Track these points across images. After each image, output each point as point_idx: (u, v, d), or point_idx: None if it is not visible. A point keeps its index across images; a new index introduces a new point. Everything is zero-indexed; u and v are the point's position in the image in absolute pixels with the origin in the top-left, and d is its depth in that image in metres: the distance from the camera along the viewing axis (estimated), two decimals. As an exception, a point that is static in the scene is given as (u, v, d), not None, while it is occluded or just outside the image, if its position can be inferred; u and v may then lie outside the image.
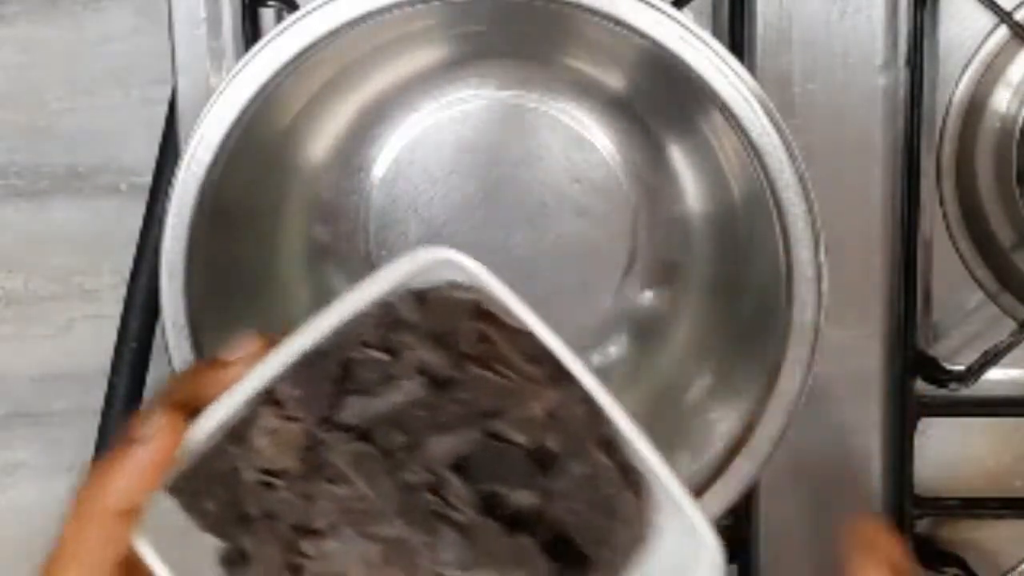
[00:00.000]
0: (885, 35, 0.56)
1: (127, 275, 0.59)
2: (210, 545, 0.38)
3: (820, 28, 0.56)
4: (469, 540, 0.35)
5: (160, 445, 0.38)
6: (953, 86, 0.60)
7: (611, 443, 0.37)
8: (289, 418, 0.37)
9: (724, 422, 0.51)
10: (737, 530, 0.60)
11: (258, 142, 0.49)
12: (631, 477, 0.37)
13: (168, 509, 0.38)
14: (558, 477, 0.36)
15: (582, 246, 0.58)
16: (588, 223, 0.58)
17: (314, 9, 0.46)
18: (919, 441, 0.61)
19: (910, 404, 0.60)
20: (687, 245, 0.58)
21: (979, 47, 0.60)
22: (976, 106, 0.60)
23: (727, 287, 0.56)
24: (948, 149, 0.61)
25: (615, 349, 0.59)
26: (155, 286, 0.48)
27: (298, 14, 0.46)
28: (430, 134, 0.57)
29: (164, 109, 0.59)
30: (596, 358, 0.59)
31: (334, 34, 0.47)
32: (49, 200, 0.65)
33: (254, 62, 0.46)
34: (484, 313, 0.37)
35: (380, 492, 0.36)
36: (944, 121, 0.60)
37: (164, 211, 0.47)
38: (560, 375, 0.36)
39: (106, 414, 0.59)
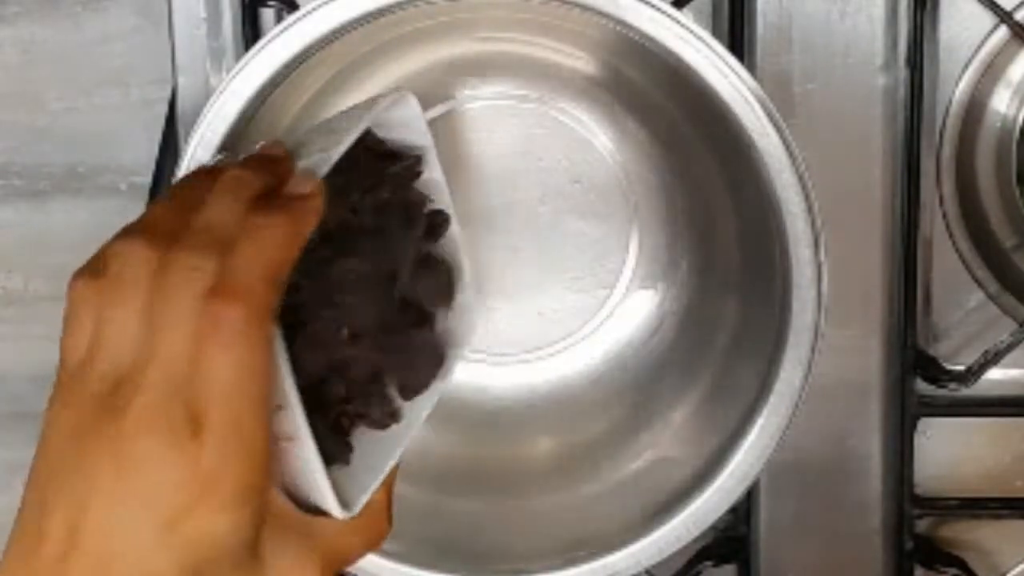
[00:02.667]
0: (885, 35, 0.56)
1: (127, 275, 0.59)
2: None
3: (820, 28, 0.56)
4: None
5: (316, 207, 0.39)
6: (953, 86, 0.60)
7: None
8: None
9: (724, 422, 0.51)
10: (737, 530, 0.60)
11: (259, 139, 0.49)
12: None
13: None
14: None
15: (582, 246, 0.58)
16: (588, 223, 0.58)
17: (314, 9, 0.46)
18: (919, 441, 0.61)
19: (910, 404, 0.60)
20: (687, 245, 0.58)
21: (979, 47, 0.60)
22: (976, 106, 0.60)
23: (727, 287, 0.56)
24: (948, 149, 0.61)
25: (615, 348, 0.59)
26: (155, 286, 0.48)
27: (298, 14, 0.46)
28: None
29: (164, 109, 0.59)
30: (596, 356, 0.59)
31: (334, 34, 0.47)
32: (49, 200, 0.65)
33: (254, 62, 0.46)
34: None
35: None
36: (944, 121, 0.60)
37: (164, 211, 0.47)
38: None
39: (106, 414, 0.59)
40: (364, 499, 0.41)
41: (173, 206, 0.40)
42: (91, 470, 0.36)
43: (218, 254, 0.37)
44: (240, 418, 0.36)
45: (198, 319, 0.36)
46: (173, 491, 0.36)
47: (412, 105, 0.45)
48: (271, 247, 0.38)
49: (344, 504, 0.40)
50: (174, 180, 0.42)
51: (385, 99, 0.43)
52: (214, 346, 0.36)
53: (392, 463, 0.43)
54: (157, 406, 0.36)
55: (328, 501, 0.39)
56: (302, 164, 0.40)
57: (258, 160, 0.41)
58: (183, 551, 0.36)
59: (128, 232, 0.39)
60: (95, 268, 0.38)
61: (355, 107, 0.44)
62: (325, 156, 0.40)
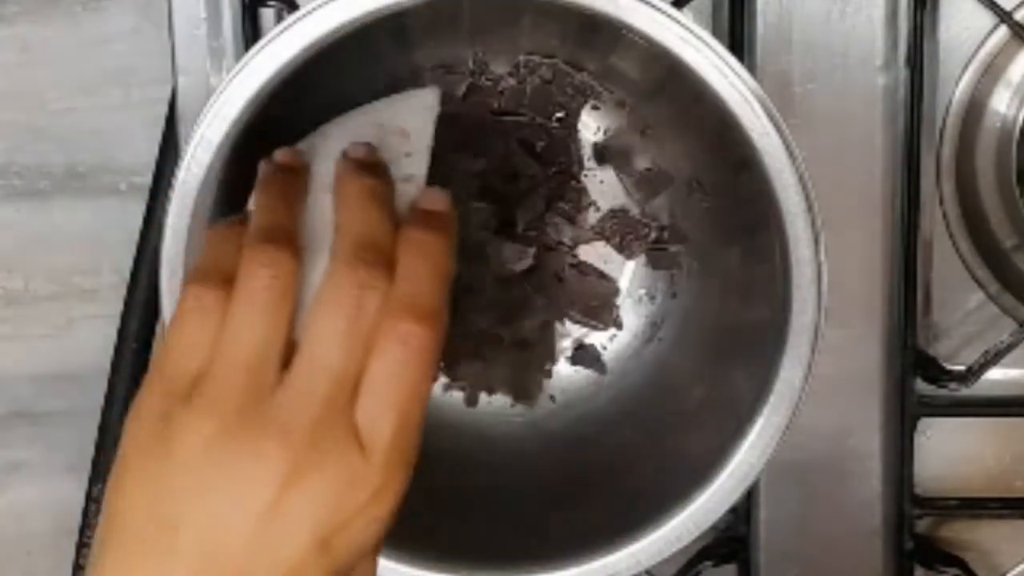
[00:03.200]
0: (885, 35, 0.56)
1: (127, 275, 0.59)
2: None
3: (820, 28, 0.56)
4: None
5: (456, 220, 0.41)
6: (953, 86, 0.60)
7: None
8: None
9: (724, 422, 0.51)
10: (737, 530, 0.60)
11: (260, 140, 0.49)
12: None
13: None
14: None
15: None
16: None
17: (314, 9, 0.46)
18: (919, 441, 0.61)
19: (910, 404, 0.60)
20: (687, 246, 0.58)
21: (979, 47, 0.60)
22: (976, 106, 0.60)
23: (727, 287, 0.56)
24: (948, 149, 0.61)
25: (614, 349, 0.59)
26: (155, 286, 0.48)
27: (298, 14, 0.46)
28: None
29: (164, 109, 0.59)
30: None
31: (334, 34, 0.47)
32: (49, 200, 0.65)
33: (254, 62, 0.46)
34: None
35: None
36: (944, 121, 0.60)
37: (164, 211, 0.47)
38: None
39: (106, 414, 0.59)
40: None
41: (280, 209, 0.40)
42: (236, 486, 0.36)
43: (387, 271, 0.37)
44: (408, 435, 0.37)
45: (377, 337, 0.36)
46: (334, 508, 0.36)
47: (430, 103, 0.46)
48: (440, 264, 0.38)
49: None
50: (257, 185, 0.42)
51: (418, 97, 0.45)
52: (397, 365, 0.36)
53: None
54: (324, 421, 0.36)
55: None
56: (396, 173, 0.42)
57: (369, 166, 0.42)
58: (334, 561, 0.36)
59: (258, 239, 0.39)
60: (218, 276, 0.38)
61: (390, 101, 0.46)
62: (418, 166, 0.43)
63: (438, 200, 0.41)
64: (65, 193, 0.65)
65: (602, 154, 0.58)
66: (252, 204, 0.42)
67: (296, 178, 0.42)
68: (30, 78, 0.64)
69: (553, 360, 0.59)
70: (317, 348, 0.37)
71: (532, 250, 0.56)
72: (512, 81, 0.56)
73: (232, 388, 0.36)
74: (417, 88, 0.47)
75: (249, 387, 0.36)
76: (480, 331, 0.57)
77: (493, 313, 0.57)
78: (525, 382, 0.58)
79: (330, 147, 0.44)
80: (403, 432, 0.37)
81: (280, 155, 0.43)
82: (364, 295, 0.37)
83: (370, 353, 0.37)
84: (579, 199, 0.57)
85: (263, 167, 0.43)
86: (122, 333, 0.59)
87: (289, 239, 0.39)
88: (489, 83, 0.56)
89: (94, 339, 0.63)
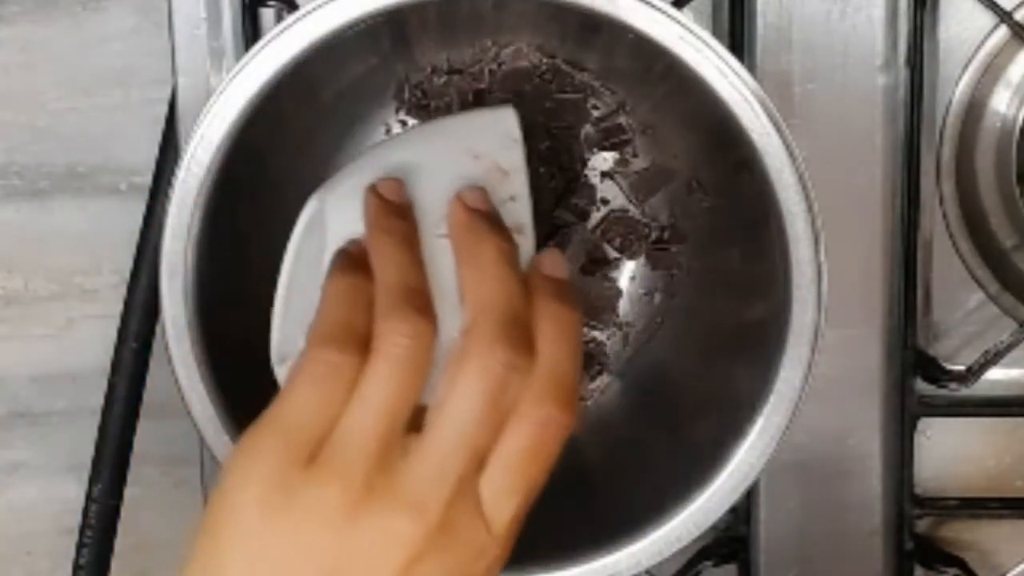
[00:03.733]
0: (885, 35, 0.56)
1: (127, 275, 0.59)
2: None
3: (820, 28, 0.56)
4: None
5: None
6: (953, 86, 0.60)
7: None
8: None
9: (724, 422, 0.51)
10: (737, 530, 0.60)
11: (260, 140, 0.49)
12: None
13: None
14: None
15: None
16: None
17: (314, 9, 0.46)
18: (919, 441, 0.61)
19: (910, 404, 0.60)
20: (687, 246, 0.58)
21: (979, 47, 0.60)
22: (976, 106, 0.60)
23: (727, 287, 0.56)
24: (948, 149, 0.61)
25: (614, 349, 0.59)
26: (155, 286, 0.48)
27: (298, 14, 0.46)
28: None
29: (164, 109, 0.59)
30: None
31: (334, 34, 0.47)
32: (49, 200, 0.65)
33: (254, 62, 0.46)
34: None
35: None
36: (944, 121, 0.60)
37: (164, 211, 0.47)
38: None
39: (106, 414, 0.59)
40: None
41: (406, 264, 0.39)
42: (359, 561, 0.35)
43: (530, 349, 0.37)
44: (528, 507, 0.37)
45: (516, 416, 0.36)
46: None
47: (515, 134, 0.44)
48: (577, 341, 0.38)
49: None
50: (371, 227, 0.41)
51: (498, 120, 0.44)
52: (533, 447, 0.36)
53: None
54: (456, 499, 0.36)
55: None
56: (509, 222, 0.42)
57: (486, 216, 0.41)
58: None
59: (396, 302, 0.38)
60: (351, 340, 0.37)
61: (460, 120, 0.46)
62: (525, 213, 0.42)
63: (559, 266, 0.41)
64: (65, 193, 0.65)
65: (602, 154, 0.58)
66: (365, 242, 0.41)
67: (410, 221, 0.41)
68: (30, 78, 0.64)
69: None
70: (456, 425, 0.36)
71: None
72: (512, 81, 0.56)
73: (360, 457, 0.35)
74: (493, 108, 0.46)
75: (378, 456, 0.36)
76: None
77: None
78: None
79: (427, 179, 0.42)
80: (526, 506, 0.37)
81: (387, 189, 0.42)
82: (508, 376, 0.36)
83: (505, 429, 0.36)
84: (591, 195, 0.57)
85: (370, 202, 0.41)
86: (122, 333, 0.59)
87: (427, 303, 0.38)
88: (489, 83, 0.57)
89: (94, 339, 0.63)
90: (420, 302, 0.38)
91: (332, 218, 0.43)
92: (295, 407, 0.37)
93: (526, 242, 0.42)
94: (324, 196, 0.44)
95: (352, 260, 0.40)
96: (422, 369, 0.37)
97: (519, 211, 0.43)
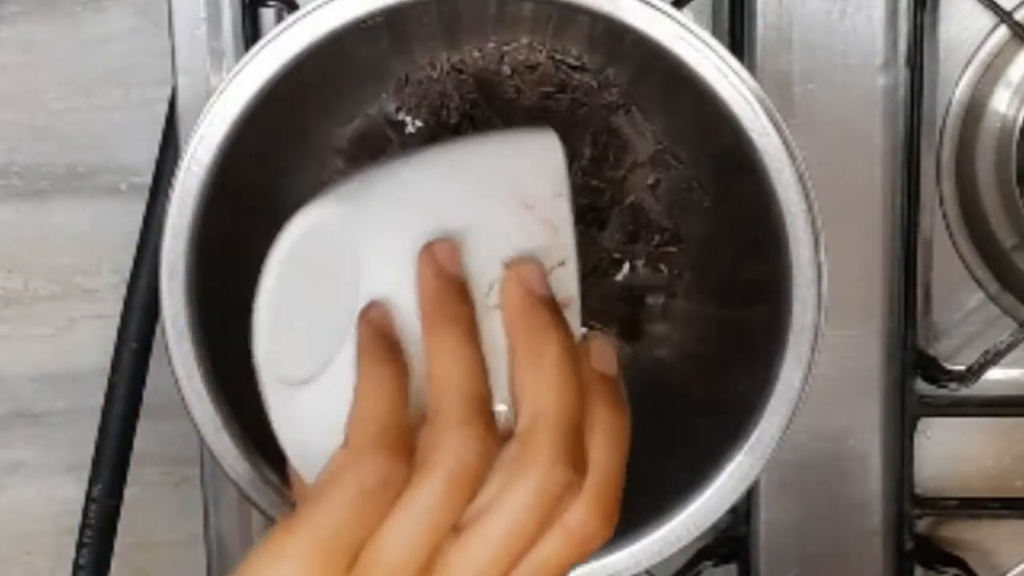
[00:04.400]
0: (885, 35, 0.56)
1: (127, 275, 0.59)
2: None
3: (820, 28, 0.56)
4: None
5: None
6: (953, 86, 0.60)
7: None
8: None
9: (724, 422, 0.51)
10: (737, 530, 0.60)
11: (260, 140, 0.49)
12: None
13: None
14: None
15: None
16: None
17: (314, 9, 0.46)
18: (919, 441, 0.61)
19: (910, 404, 0.60)
20: (687, 245, 0.58)
21: (979, 47, 0.60)
22: (976, 106, 0.60)
23: (727, 287, 0.56)
24: (948, 149, 0.61)
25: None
26: (155, 286, 0.48)
27: (298, 14, 0.46)
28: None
29: (164, 109, 0.59)
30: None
31: (334, 34, 0.47)
32: (49, 200, 0.65)
33: (254, 62, 0.46)
34: None
35: None
36: (944, 121, 0.60)
37: (164, 211, 0.47)
38: None
39: (106, 414, 0.59)
40: None
41: (466, 362, 0.36)
42: None
43: (584, 465, 0.36)
44: None
45: (560, 522, 0.36)
46: None
47: (561, 175, 0.40)
48: (626, 450, 0.37)
49: None
50: (426, 301, 0.37)
51: (537, 146, 0.41)
52: (569, 558, 0.36)
53: None
54: None
55: None
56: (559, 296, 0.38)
57: (550, 312, 0.38)
58: None
59: (465, 419, 0.35)
60: (401, 446, 0.35)
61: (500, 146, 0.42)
62: (573, 284, 0.39)
63: (610, 359, 0.39)
64: (65, 193, 0.65)
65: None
66: (422, 319, 0.37)
67: (470, 304, 0.37)
68: (30, 78, 0.64)
69: None
70: (504, 537, 0.35)
71: None
72: (512, 81, 0.56)
73: (403, 572, 0.34)
74: (533, 134, 0.42)
75: (419, 570, 0.35)
76: None
77: None
78: None
79: (477, 236, 0.38)
80: None
81: (445, 257, 0.37)
82: (564, 494, 0.35)
83: (546, 537, 0.36)
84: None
85: (428, 275, 0.37)
86: (122, 333, 0.59)
87: (490, 413, 0.36)
88: (492, 82, 0.57)
89: (94, 339, 0.63)
90: (488, 415, 0.35)
91: (369, 257, 0.39)
92: (338, 515, 0.34)
93: (573, 318, 0.39)
94: (352, 219, 0.40)
95: (385, 339, 0.37)
96: (478, 486, 0.35)
97: (567, 281, 0.39)
